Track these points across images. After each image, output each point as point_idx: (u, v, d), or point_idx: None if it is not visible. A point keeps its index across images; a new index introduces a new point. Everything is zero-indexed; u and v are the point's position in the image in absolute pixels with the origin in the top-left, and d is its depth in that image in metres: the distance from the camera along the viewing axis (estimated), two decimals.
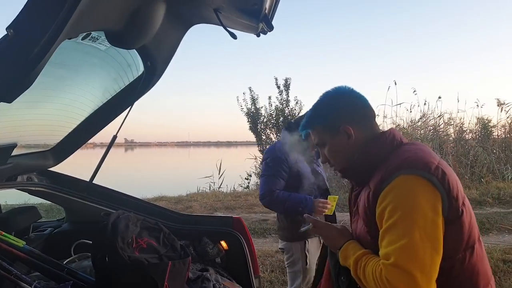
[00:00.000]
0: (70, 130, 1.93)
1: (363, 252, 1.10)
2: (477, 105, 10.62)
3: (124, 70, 1.69)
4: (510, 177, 8.68)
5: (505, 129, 10.60)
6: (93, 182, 2.02)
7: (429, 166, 1.02)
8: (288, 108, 11.57)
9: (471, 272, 1.03)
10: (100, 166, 1.96)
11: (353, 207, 1.26)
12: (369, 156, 1.15)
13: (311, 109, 1.27)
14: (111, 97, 1.83)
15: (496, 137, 10.58)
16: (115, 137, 1.96)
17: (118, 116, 1.91)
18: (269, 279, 3.57)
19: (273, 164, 2.23)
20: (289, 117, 11.45)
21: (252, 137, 12.04)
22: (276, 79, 11.56)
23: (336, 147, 1.21)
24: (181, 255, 1.55)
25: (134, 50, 1.48)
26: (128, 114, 1.88)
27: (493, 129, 10.63)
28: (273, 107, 11.70)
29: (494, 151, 9.96)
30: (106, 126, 1.97)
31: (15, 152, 1.68)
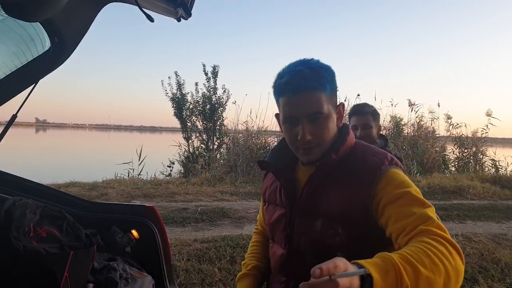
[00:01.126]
0: None
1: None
2: (392, 104, 11.79)
3: (26, 44, 1.53)
4: (415, 172, 9.81)
5: (414, 127, 11.83)
6: None
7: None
8: (216, 96, 11.53)
9: None
10: None
11: (301, 201, 1.09)
12: (343, 154, 1.06)
13: (324, 68, 1.04)
14: (10, 72, 1.65)
15: (406, 134, 11.71)
16: (14, 116, 1.77)
17: (22, 94, 1.73)
18: (185, 268, 3.56)
19: None
20: (216, 105, 11.42)
21: (176, 124, 11.79)
22: (204, 65, 11.45)
23: (331, 125, 1.05)
24: (86, 244, 1.48)
25: (38, 24, 1.35)
26: (32, 92, 1.71)
27: (404, 127, 11.78)
28: (200, 94, 11.57)
29: (404, 147, 11.11)
30: (6, 104, 1.77)
31: None
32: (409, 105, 11.93)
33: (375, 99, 11.72)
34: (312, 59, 1.06)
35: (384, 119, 11.66)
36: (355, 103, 5.16)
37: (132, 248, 1.90)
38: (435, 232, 0.82)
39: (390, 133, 11.42)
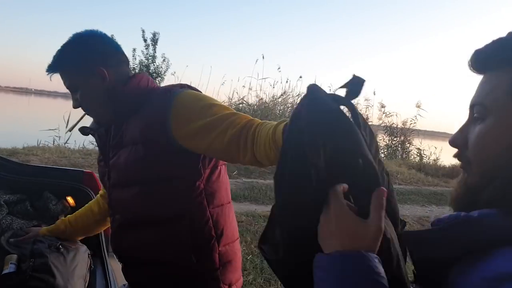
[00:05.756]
0: None
1: None
2: (330, 89, 12.07)
3: None
4: None
5: (348, 113, 12.36)
6: None
7: None
8: (154, 65, 11.00)
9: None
10: None
11: (111, 141, 1.17)
12: (131, 96, 1.12)
13: (60, 50, 1.13)
14: None
15: None
16: None
17: None
18: None
19: None
20: (154, 74, 10.90)
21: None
22: (143, 31, 10.83)
23: (90, 91, 1.13)
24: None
25: None
26: None
27: None
28: (137, 61, 10.94)
29: None
30: None
31: None
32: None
33: (315, 80, 12.02)
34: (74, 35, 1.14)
35: None
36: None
37: (66, 216, 1.72)
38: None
39: None
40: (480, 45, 0.55)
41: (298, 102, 0.61)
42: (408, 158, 11.83)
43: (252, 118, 0.98)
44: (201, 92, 1.14)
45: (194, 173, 1.09)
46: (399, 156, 11.88)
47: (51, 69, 1.14)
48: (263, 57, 11.19)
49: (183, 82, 1.20)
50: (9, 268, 1.25)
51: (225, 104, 1.13)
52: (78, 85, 1.13)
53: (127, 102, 1.11)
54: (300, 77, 11.91)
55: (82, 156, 7.32)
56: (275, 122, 0.89)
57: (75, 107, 1.17)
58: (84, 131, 1.24)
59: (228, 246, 1.16)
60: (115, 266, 1.66)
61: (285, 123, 0.82)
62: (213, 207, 1.12)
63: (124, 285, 1.39)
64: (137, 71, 10.84)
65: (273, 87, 11.45)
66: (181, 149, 1.03)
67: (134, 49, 10.90)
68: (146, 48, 10.91)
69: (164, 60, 11.05)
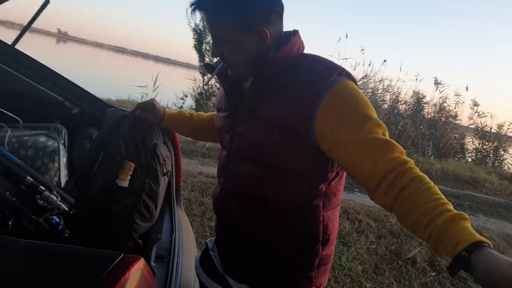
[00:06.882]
0: None
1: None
2: (416, 79, 11.12)
3: None
4: (429, 153, 9.48)
5: (436, 108, 11.25)
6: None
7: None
8: None
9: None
10: (25, 31, 1.68)
11: (244, 105, 1.03)
12: (286, 55, 0.97)
13: None
14: None
15: (426, 113, 11.17)
16: (47, 1, 1.67)
17: None
18: (188, 198, 3.61)
19: None
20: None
21: (193, 61, 11.46)
22: None
23: (243, 49, 0.97)
24: None
25: None
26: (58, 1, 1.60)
27: (425, 105, 11.19)
28: None
29: (421, 126, 10.68)
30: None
31: None
32: (434, 84, 11.31)
33: (400, 70, 11.25)
34: None
35: (406, 93, 11.26)
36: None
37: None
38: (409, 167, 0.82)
39: (410, 108, 11.07)
40: None
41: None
42: (501, 166, 10.54)
43: (403, 154, 0.86)
44: (357, 83, 0.97)
45: (320, 174, 0.98)
46: (490, 163, 10.64)
47: (201, 6, 0.95)
48: (346, 36, 10.60)
49: None
50: (125, 181, 1.30)
51: None
52: (230, 39, 0.96)
53: (275, 69, 0.96)
54: (384, 61, 11.25)
55: None
56: (424, 179, 0.80)
57: (214, 55, 1.03)
58: (209, 69, 1.12)
59: (329, 250, 1.08)
60: (182, 215, 1.77)
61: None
62: (326, 210, 1.02)
63: (210, 239, 1.31)
64: None
65: (354, 69, 10.95)
66: (315, 145, 0.92)
67: None
68: None
69: None
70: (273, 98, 0.95)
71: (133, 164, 1.31)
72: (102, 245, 1.16)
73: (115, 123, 1.38)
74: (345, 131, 0.87)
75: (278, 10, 0.97)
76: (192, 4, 0.95)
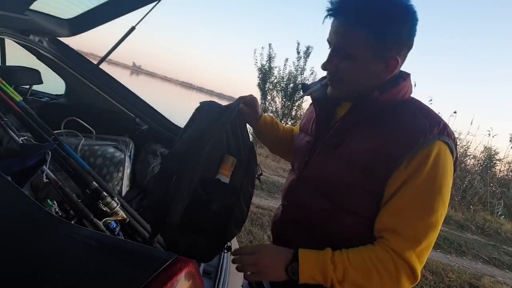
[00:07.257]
0: (92, 6, 1.82)
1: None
2: (489, 134, 10.31)
3: None
4: (499, 213, 8.62)
5: (510, 166, 10.35)
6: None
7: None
8: (302, 77, 11.37)
9: None
10: (110, 53, 1.88)
11: (328, 136, 0.99)
12: (390, 98, 0.92)
13: (371, 1, 0.86)
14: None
15: (498, 171, 10.33)
16: (133, 28, 1.86)
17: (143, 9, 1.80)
18: None
19: None
20: (299, 85, 11.28)
21: (256, 97, 11.84)
22: (298, 43, 11.32)
23: (363, 71, 0.91)
24: None
25: None
26: (154, 8, 1.78)
27: (497, 162, 10.36)
28: (287, 71, 11.48)
29: (492, 184, 9.84)
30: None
31: (34, 6, 1.56)
32: (510, 141, 10.49)
33: (472, 123, 10.56)
34: None
35: (476, 148, 10.54)
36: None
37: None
38: (396, 249, 0.85)
39: (479, 164, 10.31)
40: None
41: None
42: None
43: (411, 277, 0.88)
44: (456, 141, 0.95)
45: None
46: None
47: (343, 14, 0.87)
48: (415, 85, 10.33)
49: None
50: (227, 177, 1.09)
51: None
52: (356, 56, 0.88)
53: (373, 110, 0.92)
54: (455, 112, 10.62)
55: None
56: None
57: (325, 68, 0.95)
58: (305, 89, 1.07)
59: None
60: None
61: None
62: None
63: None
64: (284, 80, 11.38)
65: None
66: (380, 192, 0.89)
67: (287, 59, 11.48)
68: (298, 60, 11.37)
69: (312, 73, 11.34)
70: (363, 138, 0.92)
71: (235, 160, 1.13)
72: (188, 247, 1.02)
73: (217, 112, 1.13)
74: (404, 200, 0.86)
75: (411, 46, 0.92)
76: (330, 10, 0.88)
